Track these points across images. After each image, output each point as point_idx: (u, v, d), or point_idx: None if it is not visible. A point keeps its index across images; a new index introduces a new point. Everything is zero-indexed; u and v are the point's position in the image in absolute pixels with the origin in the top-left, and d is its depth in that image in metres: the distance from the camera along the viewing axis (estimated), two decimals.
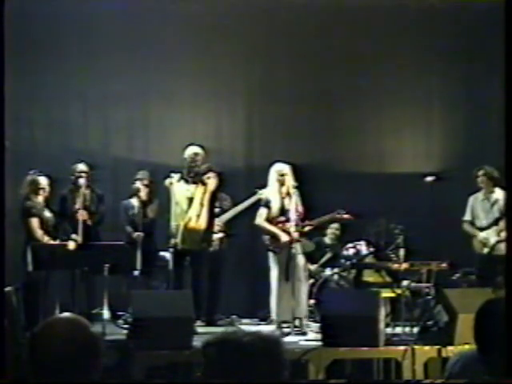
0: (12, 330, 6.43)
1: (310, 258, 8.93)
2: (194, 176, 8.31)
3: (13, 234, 7.25)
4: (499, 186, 8.70)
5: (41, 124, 10.20)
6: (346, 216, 8.42)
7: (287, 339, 7.27)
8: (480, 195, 8.97)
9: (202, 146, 8.51)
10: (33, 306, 7.76)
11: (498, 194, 8.78)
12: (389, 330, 7.56)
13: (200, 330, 7.62)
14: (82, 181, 8.73)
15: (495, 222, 8.78)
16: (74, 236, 8.42)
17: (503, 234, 8.36)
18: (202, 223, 8.25)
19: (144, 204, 8.91)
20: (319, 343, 7.03)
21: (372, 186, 10.18)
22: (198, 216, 8.24)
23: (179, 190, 8.26)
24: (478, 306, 3.19)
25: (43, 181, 8.48)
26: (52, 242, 8.31)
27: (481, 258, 8.83)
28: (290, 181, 8.16)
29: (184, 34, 10.21)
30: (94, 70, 10.03)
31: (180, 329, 6.85)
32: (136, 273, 8.33)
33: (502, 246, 8.20)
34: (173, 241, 8.19)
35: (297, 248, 8.02)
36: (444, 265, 8.11)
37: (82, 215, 8.54)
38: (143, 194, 8.92)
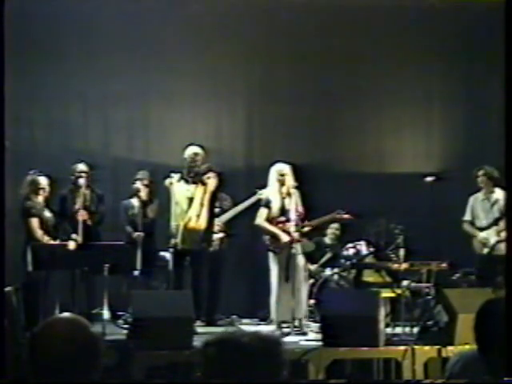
0: (12, 330, 6.43)
1: (310, 258, 8.93)
2: (194, 176, 8.32)
3: (13, 234, 7.26)
4: (499, 186, 8.70)
5: (41, 124, 10.20)
6: (345, 216, 8.42)
7: (287, 339, 7.27)
8: (480, 195, 8.97)
9: (201, 146, 8.51)
10: (33, 306, 7.76)
11: (498, 194, 8.78)
12: (389, 330, 7.56)
13: (200, 330, 7.62)
14: (81, 181, 8.73)
15: (495, 222, 8.78)
16: (74, 236, 8.42)
17: (503, 234, 8.36)
18: (202, 223, 8.25)
19: (144, 204, 8.91)
20: (319, 343, 7.03)
21: (372, 186, 10.18)
22: (198, 216, 8.24)
23: (179, 189, 8.26)
24: (478, 306, 3.19)
25: (43, 181, 8.48)
26: (52, 242, 8.31)
27: (481, 258, 8.83)
28: (290, 181, 8.15)
29: (184, 34, 10.21)
30: (93, 70, 10.03)
31: (180, 329, 6.85)
32: (136, 273, 8.32)
33: (502, 246, 8.20)
34: (173, 241, 8.19)
35: (297, 248, 8.02)
36: (444, 265, 8.11)
37: (82, 215, 8.54)
38: (143, 194, 8.92)
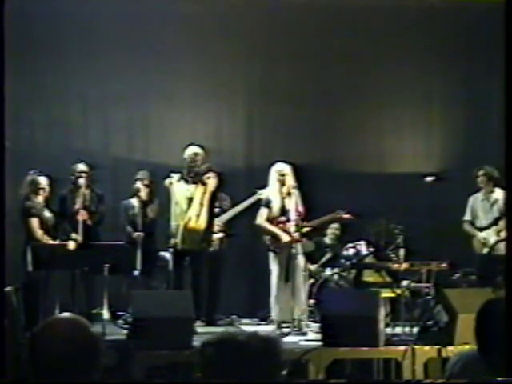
0: (12, 330, 6.43)
1: (310, 258, 8.93)
2: (193, 176, 8.31)
3: (13, 234, 7.25)
4: (499, 186, 8.70)
5: (41, 124, 10.19)
6: (345, 216, 8.42)
7: (287, 339, 7.28)
8: (480, 195, 8.98)
9: (201, 146, 8.51)
10: (33, 306, 7.76)
11: (498, 193, 8.78)
12: (389, 330, 7.55)
13: (200, 330, 7.62)
14: (81, 181, 8.73)
15: (495, 222, 8.79)
16: (74, 236, 8.42)
17: (503, 234, 8.36)
18: (201, 223, 8.25)
19: (144, 204, 8.91)
20: (319, 343, 7.02)
21: (372, 186, 10.19)
22: (198, 216, 8.24)
23: (179, 190, 8.26)
24: (478, 306, 3.19)
25: (43, 181, 8.48)
26: (52, 242, 8.31)
27: (481, 258, 8.83)
28: (290, 181, 8.15)
29: (184, 34, 10.21)
30: (93, 70, 10.03)
31: (180, 329, 6.84)
32: (136, 273, 8.32)
33: (502, 246, 8.20)
34: (173, 241, 8.19)
35: (297, 248, 8.02)
36: (444, 265, 8.11)
37: (82, 215, 8.54)
38: (143, 193, 8.92)
